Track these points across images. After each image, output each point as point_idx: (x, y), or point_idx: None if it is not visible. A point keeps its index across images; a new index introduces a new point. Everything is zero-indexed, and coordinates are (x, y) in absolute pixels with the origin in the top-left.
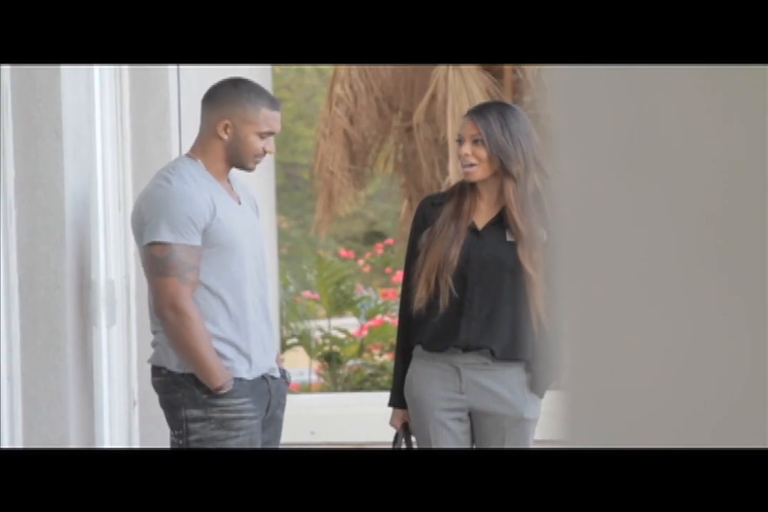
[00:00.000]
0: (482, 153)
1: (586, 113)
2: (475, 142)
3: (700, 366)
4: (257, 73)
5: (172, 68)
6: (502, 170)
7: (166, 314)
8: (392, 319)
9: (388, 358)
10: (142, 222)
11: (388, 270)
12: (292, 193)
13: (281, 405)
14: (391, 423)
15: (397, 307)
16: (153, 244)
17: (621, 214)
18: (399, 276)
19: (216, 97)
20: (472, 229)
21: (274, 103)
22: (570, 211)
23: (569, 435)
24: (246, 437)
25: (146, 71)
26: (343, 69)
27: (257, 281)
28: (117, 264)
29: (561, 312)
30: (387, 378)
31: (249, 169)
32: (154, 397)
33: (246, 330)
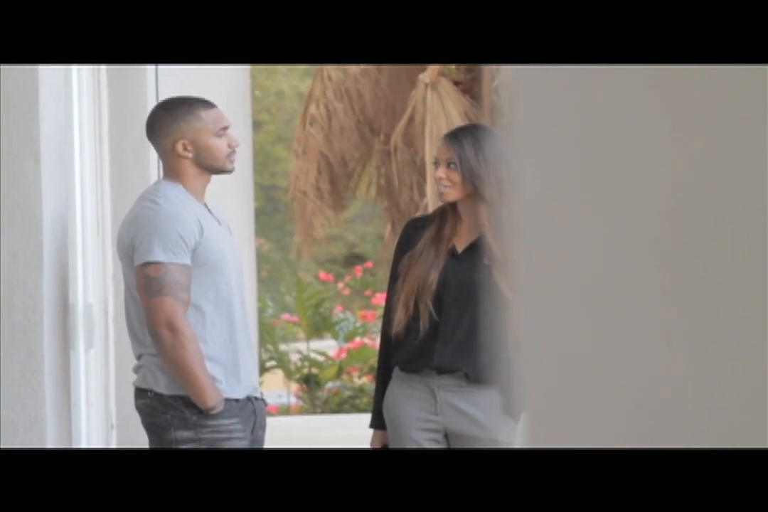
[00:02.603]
0: (456, 176)
1: (549, 121)
2: (449, 165)
3: (668, 380)
4: (237, 98)
5: (151, 91)
6: (476, 193)
7: (162, 333)
8: (371, 341)
9: (367, 380)
10: (132, 244)
11: (367, 292)
12: (272, 216)
13: (263, 427)
14: (371, 445)
15: (376, 329)
16: (147, 264)
17: (582, 227)
18: (378, 298)
19: (157, 127)
20: (452, 253)
21: (206, 102)
22: (532, 223)
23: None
24: None
25: (125, 94)
26: (318, 89)
27: (240, 300)
28: (95, 288)
29: (523, 328)
30: (366, 400)
31: (229, 171)
32: (132, 421)
33: (234, 349)
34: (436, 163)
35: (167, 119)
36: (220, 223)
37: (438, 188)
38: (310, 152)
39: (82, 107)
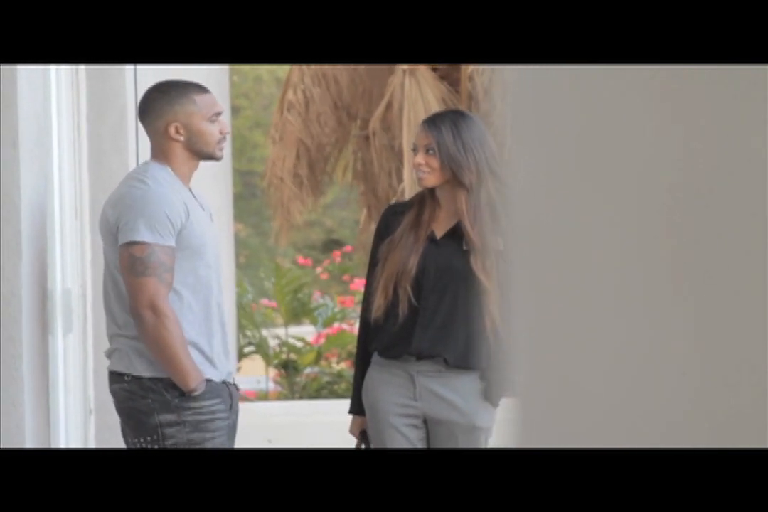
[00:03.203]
0: (434, 162)
1: (542, 115)
2: (427, 151)
3: (653, 369)
4: (214, 82)
5: (129, 77)
6: (454, 179)
7: (144, 314)
8: (350, 327)
9: (345, 366)
10: (117, 223)
11: (345, 278)
12: (250, 201)
13: (236, 412)
14: (350, 431)
15: (354, 315)
16: (132, 243)
17: (576, 219)
18: (357, 284)
19: (150, 108)
20: (431, 238)
21: (200, 87)
22: (525, 216)
23: (522, 440)
24: (222, 437)
25: (103, 80)
26: (296, 75)
27: (218, 285)
28: (73, 273)
29: (516, 320)
30: (344, 385)
31: (218, 158)
32: (110, 405)
33: (209, 335)
34: (415, 149)
35: (161, 101)
36: (203, 209)
37: (416, 174)
38: (288, 138)
39: (60, 93)
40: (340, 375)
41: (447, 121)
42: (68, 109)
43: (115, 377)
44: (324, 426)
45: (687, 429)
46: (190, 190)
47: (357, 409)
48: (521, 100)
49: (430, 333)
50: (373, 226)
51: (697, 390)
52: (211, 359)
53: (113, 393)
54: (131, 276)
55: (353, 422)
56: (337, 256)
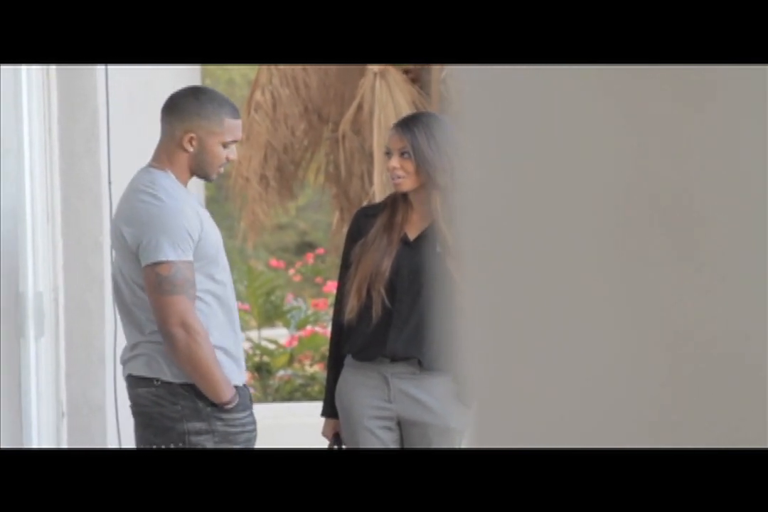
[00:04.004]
0: (410, 166)
1: (499, 112)
2: (402, 154)
3: (612, 369)
4: (186, 85)
5: (101, 79)
6: (430, 182)
7: (176, 332)
8: (323, 329)
9: (318, 369)
10: (136, 242)
11: (318, 280)
12: (223, 205)
13: (252, 413)
14: (323, 433)
15: (327, 317)
16: (158, 263)
17: (531, 216)
18: (330, 286)
19: (179, 109)
20: (404, 241)
21: (235, 111)
22: (480, 218)
23: (480, 439)
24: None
25: (75, 82)
26: (264, 76)
27: (231, 288)
28: (45, 276)
29: (470, 317)
30: (318, 388)
31: (212, 179)
32: (83, 409)
33: (235, 336)
34: (389, 153)
35: (192, 107)
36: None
37: (391, 178)
38: (254, 139)
39: (31, 95)
40: (313, 377)
41: (420, 124)
42: (39, 111)
43: (140, 381)
44: (297, 428)
45: (687, 429)
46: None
47: (330, 412)
48: (476, 100)
49: (405, 335)
50: (346, 229)
51: (694, 390)
52: (238, 360)
53: (136, 396)
54: (159, 295)
55: (326, 424)
56: (310, 258)
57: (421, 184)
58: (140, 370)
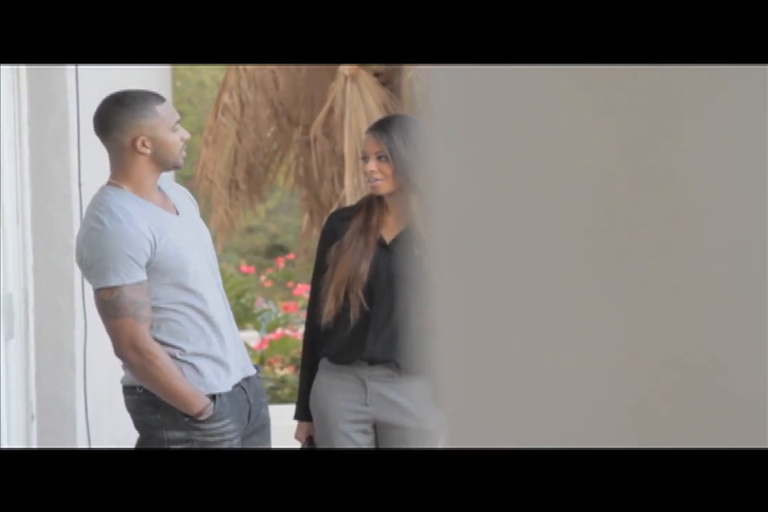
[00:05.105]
0: (387, 169)
1: (469, 113)
2: (379, 158)
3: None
4: (157, 87)
5: (71, 81)
6: (407, 184)
7: (128, 355)
8: (293, 332)
9: (288, 371)
10: (86, 267)
11: (289, 284)
12: None
13: (264, 405)
14: (296, 437)
15: (298, 320)
16: (99, 289)
17: (509, 218)
18: (300, 289)
19: (113, 122)
20: (381, 243)
21: (158, 96)
22: (455, 216)
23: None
24: None
25: (45, 84)
26: (232, 78)
27: (213, 283)
28: (16, 278)
29: (444, 319)
30: (288, 391)
31: (180, 166)
32: (52, 411)
33: (221, 341)
34: (365, 157)
35: (124, 114)
36: (178, 212)
37: (368, 181)
38: (221, 141)
39: (0, 96)
40: (283, 380)
41: (395, 127)
42: (9, 112)
43: (126, 390)
44: None
45: (686, 429)
46: (161, 192)
47: (303, 415)
48: (450, 100)
49: (383, 338)
50: (316, 232)
51: (694, 390)
52: (227, 365)
53: (126, 405)
54: (106, 320)
55: (299, 428)
56: (281, 262)
57: (398, 186)
58: (125, 379)
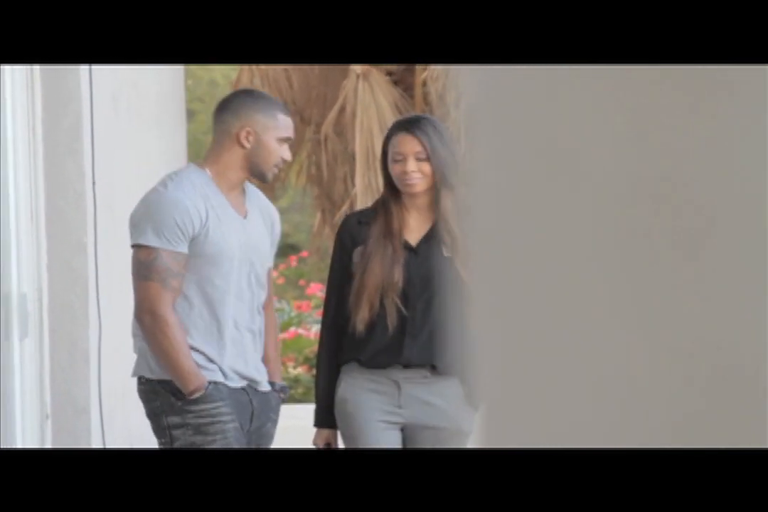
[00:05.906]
0: (427, 168)
1: (505, 115)
2: (419, 158)
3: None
4: (169, 86)
5: (84, 79)
6: (441, 183)
7: (144, 318)
8: (306, 332)
9: (302, 371)
10: (133, 223)
11: (302, 282)
12: None
13: (271, 420)
14: (314, 443)
15: (311, 320)
16: (138, 246)
17: (538, 219)
18: (313, 288)
19: (233, 107)
20: (407, 247)
21: (286, 108)
22: (487, 220)
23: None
24: (223, 441)
25: (58, 83)
26: (245, 77)
27: (247, 294)
28: (30, 277)
29: (480, 320)
30: (301, 390)
31: (267, 180)
32: (67, 410)
33: (222, 343)
34: (401, 159)
35: (247, 104)
36: (246, 217)
37: (405, 181)
38: None
39: (15, 96)
40: (296, 379)
41: (429, 127)
42: (23, 111)
43: (137, 380)
44: (280, 430)
45: (686, 429)
46: (243, 194)
47: (323, 422)
48: (482, 101)
49: (420, 342)
50: (328, 230)
51: (694, 390)
52: (221, 366)
53: (138, 394)
54: (136, 280)
55: (318, 434)
56: (293, 260)
57: (430, 185)
58: (134, 370)
